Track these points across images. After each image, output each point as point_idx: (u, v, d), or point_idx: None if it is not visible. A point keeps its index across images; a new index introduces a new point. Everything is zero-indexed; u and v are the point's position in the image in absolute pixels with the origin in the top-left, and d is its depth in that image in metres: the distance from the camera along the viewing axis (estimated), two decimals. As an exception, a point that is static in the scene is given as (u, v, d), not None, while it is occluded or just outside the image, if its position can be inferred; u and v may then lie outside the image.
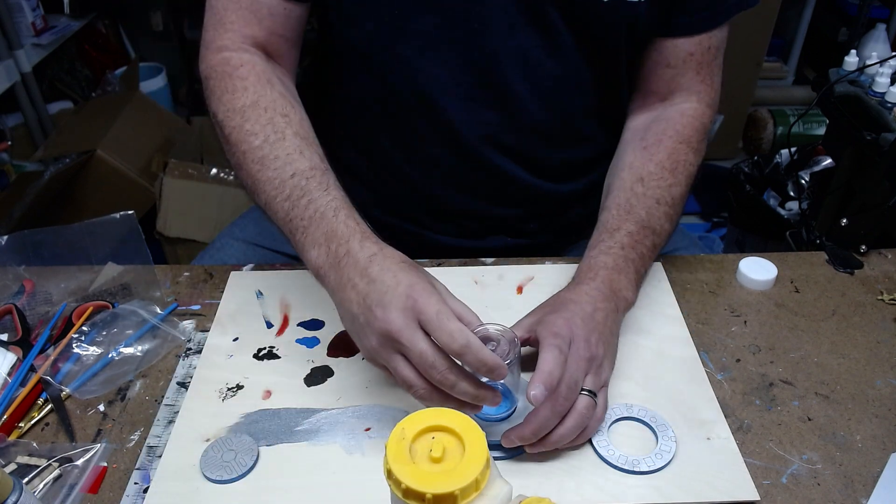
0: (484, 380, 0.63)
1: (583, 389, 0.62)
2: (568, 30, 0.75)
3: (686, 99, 0.82)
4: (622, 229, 0.73)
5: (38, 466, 0.61)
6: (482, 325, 0.61)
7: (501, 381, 0.64)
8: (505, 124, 0.80)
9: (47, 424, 0.66)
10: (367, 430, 0.65)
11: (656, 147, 0.79)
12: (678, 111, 0.81)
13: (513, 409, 0.64)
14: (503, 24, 0.73)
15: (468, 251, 0.88)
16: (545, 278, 0.82)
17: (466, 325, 0.60)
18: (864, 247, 0.86)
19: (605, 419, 0.64)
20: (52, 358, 0.71)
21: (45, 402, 0.68)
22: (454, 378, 0.56)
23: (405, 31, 0.75)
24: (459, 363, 0.57)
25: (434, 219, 0.90)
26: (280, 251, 0.93)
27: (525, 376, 0.68)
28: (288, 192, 0.67)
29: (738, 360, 0.72)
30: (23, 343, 0.73)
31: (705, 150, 0.82)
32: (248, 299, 0.79)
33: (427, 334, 0.56)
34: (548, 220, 0.91)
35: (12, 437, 0.64)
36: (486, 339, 0.61)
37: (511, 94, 0.78)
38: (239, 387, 0.69)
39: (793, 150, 1.52)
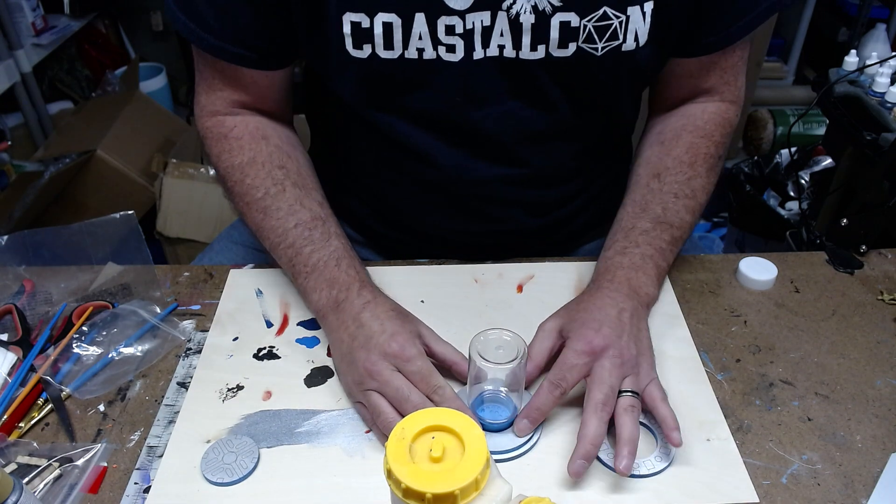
0: (488, 387, 0.64)
1: (623, 391, 0.62)
2: (561, 89, 0.73)
3: (709, 98, 0.81)
4: (637, 228, 0.74)
5: (39, 466, 0.61)
6: (491, 328, 0.62)
7: (503, 389, 0.64)
8: (500, 178, 0.80)
9: (47, 424, 0.66)
10: (368, 431, 0.65)
11: (674, 142, 0.78)
12: (700, 108, 0.80)
13: (514, 417, 0.64)
14: (492, 94, 0.72)
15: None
16: (545, 277, 0.82)
17: (451, 364, 0.67)
18: (864, 247, 0.86)
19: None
20: (52, 358, 0.71)
21: (45, 402, 0.68)
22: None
23: (388, 99, 0.74)
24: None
25: (432, 240, 0.89)
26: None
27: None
28: (291, 241, 0.73)
29: (738, 360, 0.72)
30: (23, 343, 0.73)
31: (729, 144, 0.80)
32: (247, 298, 0.79)
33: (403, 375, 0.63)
34: (546, 237, 0.91)
35: (12, 437, 0.64)
36: (493, 344, 0.61)
37: (504, 154, 0.77)
38: (239, 387, 0.69)
39: (793, 150, 1.52)
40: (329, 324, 0.69)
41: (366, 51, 0.69)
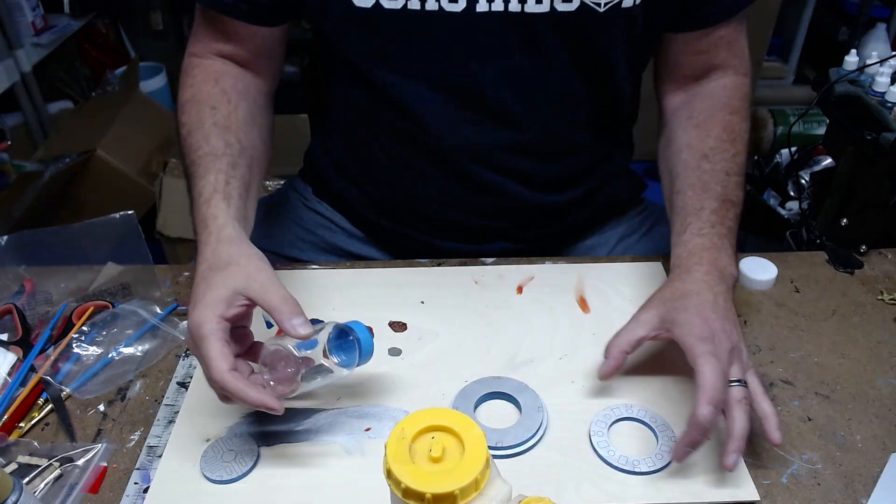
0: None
1: (731, 380, 0.61)
2: (563, 46, 0.74)
3: (723, 74, 0.81)
4: (706, 208, 0.73)
5: (39, 466, 0.61)
6: (278, 344, 0.60)
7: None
8: (497, 144, 0.80)
9: (47, 424, 0.66)
10: (368, 429, 0.65)
11: (710, 122, 0.78)
12: (720, 85, 0.81)
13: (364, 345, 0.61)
14: (494, 49, 0.73)
15: (468, 253, 0.88)
16: (545, 278, 0.82)
17: (280, 319, 0.59)
18: (864, 247, 0.86)
19: (605, 420, 0.64)
20: (53, 358, 0.71)
21: (46, 402, 0.68)
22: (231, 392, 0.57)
23: (389, 54, 0.75)
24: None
25: (432, 227, 0.89)
26: (280, 253, 0.93)
27: (530, 379, 0.68)
28: (188, 175, 0.69)
29: (738, 360, 0.72)
30: (23, 343, 0.73)
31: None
32: (248, 299, 0.79)
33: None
34: (546, 228, 0.91)
35: (13, 437, 0.64)
36: (278, 357, 0.60)
37: (502, 115, 0.78)
38: (239, 387, 0.69)
39: (793, 150, 1.52)
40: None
41: (370, 0, 0.70)
